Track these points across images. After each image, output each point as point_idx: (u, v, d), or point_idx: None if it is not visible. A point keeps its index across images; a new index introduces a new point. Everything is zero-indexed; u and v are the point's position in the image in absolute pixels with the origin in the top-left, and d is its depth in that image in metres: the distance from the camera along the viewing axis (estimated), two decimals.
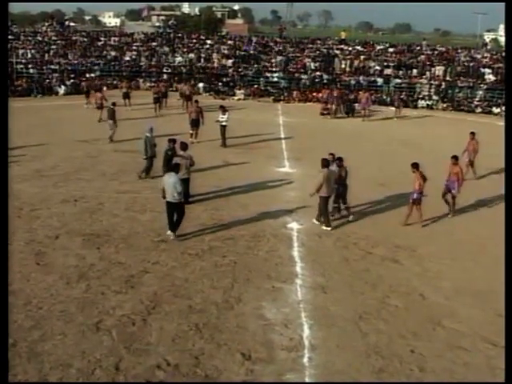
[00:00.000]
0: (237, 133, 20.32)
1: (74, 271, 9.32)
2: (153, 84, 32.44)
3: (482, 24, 53.10)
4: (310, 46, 40.56)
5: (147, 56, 37.97)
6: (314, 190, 11.66)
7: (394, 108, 28.66)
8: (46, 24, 46.30)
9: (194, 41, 41.64)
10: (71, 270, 9.35)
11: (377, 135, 22.92)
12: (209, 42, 41.38)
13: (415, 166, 12.00)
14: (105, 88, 30.96)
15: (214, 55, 38.24)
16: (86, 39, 40.73)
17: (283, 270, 9.75)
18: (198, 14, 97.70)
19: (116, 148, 18.59)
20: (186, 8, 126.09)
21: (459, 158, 13.39)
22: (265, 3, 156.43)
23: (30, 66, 34.45)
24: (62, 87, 32.26)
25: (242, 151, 18.96)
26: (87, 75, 34.35)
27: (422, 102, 32.68)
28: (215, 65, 37.14)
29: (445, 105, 32.29)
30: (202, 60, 37.92)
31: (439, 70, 35.01)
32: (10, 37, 35.07)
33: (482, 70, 34.93)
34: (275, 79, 35.61)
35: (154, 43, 40.48)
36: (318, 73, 35.69)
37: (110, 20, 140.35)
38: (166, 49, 39.14)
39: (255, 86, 34.67)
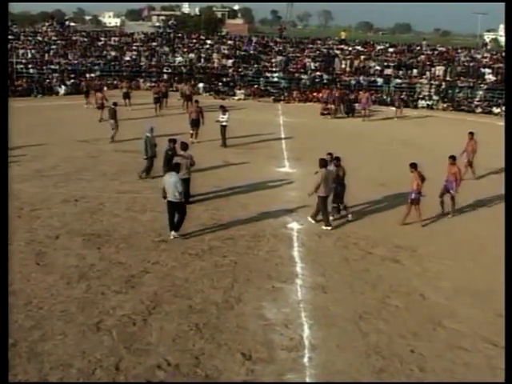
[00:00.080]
0: (237, 133, 20.33)
1: (74, 271, 9.33)
2: (153, 84, 32.45)
3: (482, 24, 53.15)
4: (310, 46, 40.57)
5: (147, 56, 37.98)
6: (313, 189, 11.69)
7: (394, 108, 28.67)
8: (46, 24, 46.35)
9: (194, 41, 41.65)
10: (72, 270, 9.36)
11: (377, 135, 22.93)
12: (209, 42, 41.39)
13: (413, 166, 12.05)
14: (105, 88, 30.97)
15: (214, 55, 38.26)
16: (86, 39, 40.74)
17: (283, 269, 9.76)
18: (198, 14, 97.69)
19: (116, 148, 18.59)
20: (186, 8, 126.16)
21: (458, 159, 13.40)
22: (265, 3, 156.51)
23: (30, 66, 34.46)
24: (63, 87, 32.27)
25: (243, 151, 18.96)
26: (87, 75, 34.36)
27: (422, 102, 32.68)
28: (215, 65, 37.14)
29: (445, 105, 32.29)
30: (202, 60, 37.93)
31: (439, 70, 35.00)
32: (10, 37, 35.10)
33: (482, 70, 34.93)
34: (275, 79, 35.62)
35: (154, 43, 40.49)
36: (318, 73, 35.69)
37: (110, 20, 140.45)
38: (166, 49, 39.15)
39: (255, 86, 34.67)
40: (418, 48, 40.15)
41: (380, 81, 34.56)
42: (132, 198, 13.44)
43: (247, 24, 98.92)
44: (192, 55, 38.26)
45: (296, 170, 16.69)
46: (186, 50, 39.25)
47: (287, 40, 42.72)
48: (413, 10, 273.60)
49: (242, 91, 33.52)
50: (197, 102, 20.84)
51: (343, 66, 36.77)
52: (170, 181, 10.56)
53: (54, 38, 40.25)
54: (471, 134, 16.53)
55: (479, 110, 31.49)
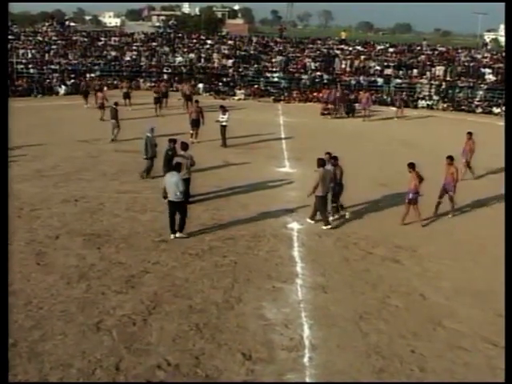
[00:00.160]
0: (237, 133, 20.32)
1: (74, 271, 9.33)
2: (153, 84, 32.49)
3: (482, 24, 53.25)
4: (311, 46, 40.57)
5: (147, 56, 37.98)
6: (311, 189, 11.69)
7: (394, 108, 28.68)
8: (47, 24, 46.38)
9: (195, 41, 41.66)
10: (72, 270, 9.36)
11: (377, 135, 22.92)
12: (209, 42, 41.40)
13: (411, 165, 12.06)
14: (105, 88, 30.97)
15: (215, 55, 38.25)
16: (86, 39, 40.75)
17: (283, 270, 9.76)
18: (198, 14, 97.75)
19: (116, 148, 18.59)
20: (186, 8, 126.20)
21: (458, 159, 13.38)
22: (265, 3, 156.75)
23: (30, 65, 34.47)
24: (63, 87, 32.27)
25: (243, 151, 18.96)
26: (87, 75, 34.38)
27: (422, 102, 32.68)
28: (215, 65, 37.14)
29: (445, 105, 32.29)
30: (203, 60, 37.92)
31: (439, 70, 34.99)
32: (10, 37, 35.10)
33: (483, 70, 34.92)
34: (275, 79, 35.62)
35: (155, 43, 40.49)
36: (318, 73, 35.68)
37: (111, 20, 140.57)
38: (167, 49, 39.15)
39: (255, 86, 34.67)
40: (418, 48, 40.16)
41: (380, 81, 34.56)
42: (132, 197, 13.44)
43: (247, 24, 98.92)
44: (192, 55, 38.26)
45: (296, 170, 16.69)
46: (186, 50, 39.25)
47: (287, 40, 42.73)
48: (413, 10, 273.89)
49: (242, 91, 33.52)
50: (197, 102, 20.83)
51: (343, 65, 36.76)
52: (171, 180, 10.56)
53: (54, 37, 40.27)
54: (469, 133, 16.53)
55: (479, 110, 31.49)
